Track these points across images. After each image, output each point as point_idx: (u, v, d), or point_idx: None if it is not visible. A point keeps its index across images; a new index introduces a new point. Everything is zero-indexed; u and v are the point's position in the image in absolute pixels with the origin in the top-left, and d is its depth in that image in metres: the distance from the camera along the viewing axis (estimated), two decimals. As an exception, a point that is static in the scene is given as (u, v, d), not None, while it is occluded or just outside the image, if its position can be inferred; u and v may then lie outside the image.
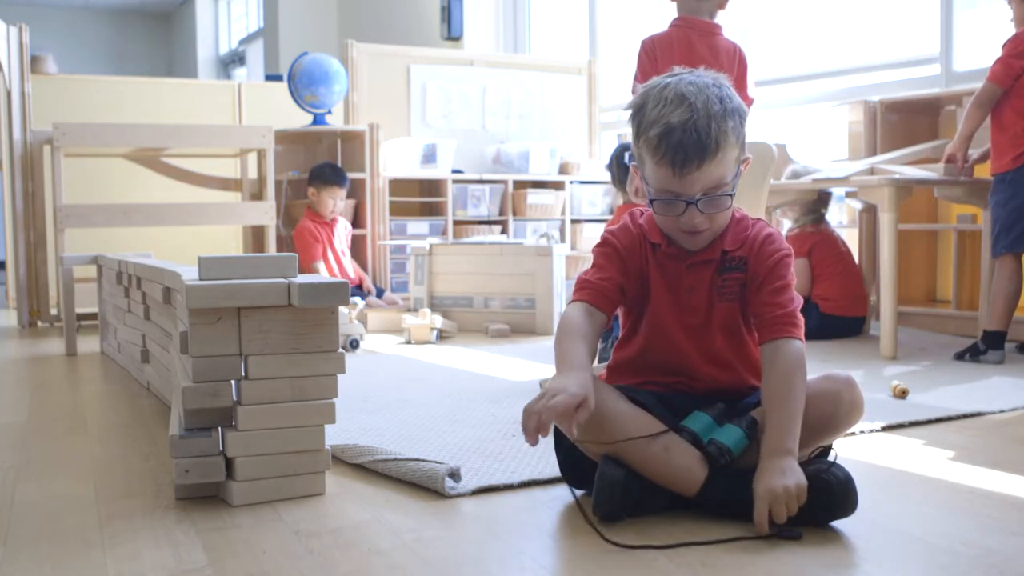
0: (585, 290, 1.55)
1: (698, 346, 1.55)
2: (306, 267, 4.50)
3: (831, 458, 1.44)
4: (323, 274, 4.45)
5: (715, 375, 1.55)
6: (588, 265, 1.63)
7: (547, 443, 1.88)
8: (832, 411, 1.45)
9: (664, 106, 1.45)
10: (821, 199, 3.90)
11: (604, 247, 1.59)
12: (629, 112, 1.55)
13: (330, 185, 4.62)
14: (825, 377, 1.50)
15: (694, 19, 2.86)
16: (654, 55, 2.89)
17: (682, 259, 1.55)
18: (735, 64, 2.87)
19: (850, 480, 1.38)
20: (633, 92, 3.22)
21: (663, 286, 1.56)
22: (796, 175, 3.66)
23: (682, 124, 1.42)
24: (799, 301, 1.53)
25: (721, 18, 2.91)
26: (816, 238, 3.85)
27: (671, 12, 2.94)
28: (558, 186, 5.47)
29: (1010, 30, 3.24)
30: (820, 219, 3.92)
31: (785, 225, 4.05)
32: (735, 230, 1.56)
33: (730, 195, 1.48)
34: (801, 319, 1.51)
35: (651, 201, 1.50)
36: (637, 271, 1.57)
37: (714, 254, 1.54)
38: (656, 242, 1.56)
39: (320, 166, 4.75)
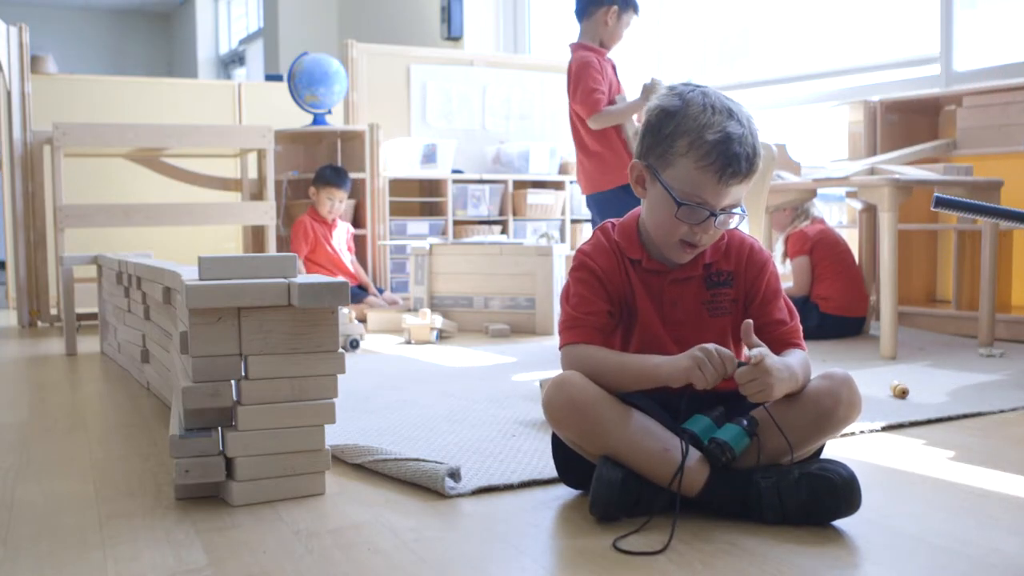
0: (579, 328, 1.53)
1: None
2: None
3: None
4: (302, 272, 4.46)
5: (718, 387, 1.54)
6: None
7: (548, 443, 1.88)
8: (831, 408, 1.45)
9: (714, 113, 1.46)
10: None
11: (581, 272, 1.57)
12: (655, 112, 1.51)
13: (328, 186, 4.62)
14: (823, 375, 1.50)
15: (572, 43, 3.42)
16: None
17: (664, 275, 1.55)
18: (570, 71, 3.31)
19: (854, 478, 1.39)
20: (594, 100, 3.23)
21: (648, 301, 1.55)
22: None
23: (739, 137, 1.44)
24: (792, 307, 1.59)
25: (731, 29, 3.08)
26: (817, 237, 3.85)
27: (667, 13, 3.17)
28: (558, 186, 5.47)
29: (1011, 30, 3.23)
30: (807, 213, 3.92)
31: (779, 240, 4.04)
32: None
33: (740, 220, 1.51)
34: (800, 328, 1.58)
35: (678, 204, 1.47)
36: (619, 292, 1.56)
37: (696, 269, 1.55)
38: (636, 258, 1.56)
39: (323, 167, 4.76)
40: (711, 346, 1.40)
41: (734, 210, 1.49)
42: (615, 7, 3.30)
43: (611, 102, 3.24)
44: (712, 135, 1.44)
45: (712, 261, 1.56)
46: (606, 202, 3.28)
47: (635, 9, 3.37)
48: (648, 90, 3.14)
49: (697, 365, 1.39)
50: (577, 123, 3.33)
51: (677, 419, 1.46)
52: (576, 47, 3.34)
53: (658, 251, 1.56)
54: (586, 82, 3.19)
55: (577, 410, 1.44)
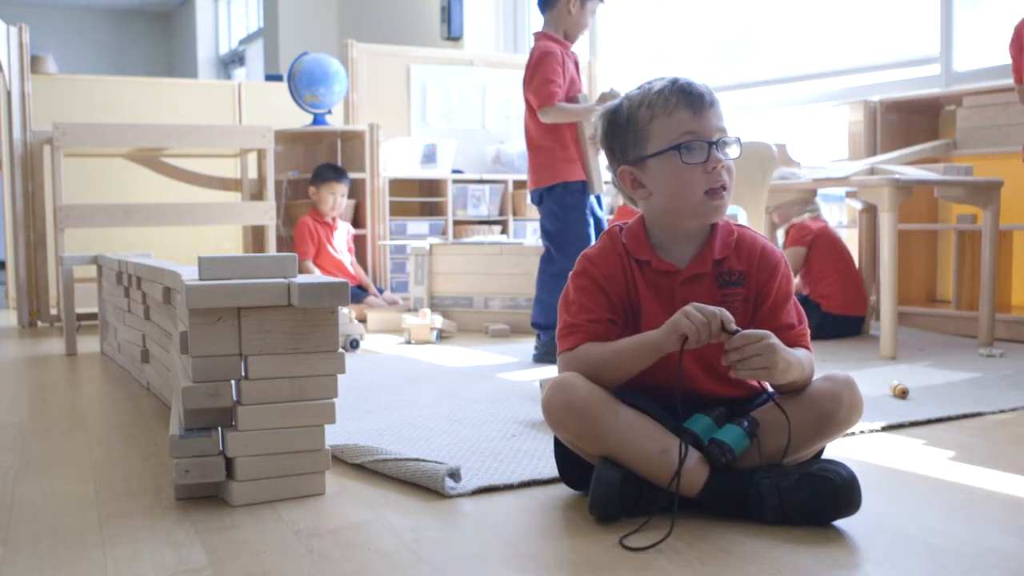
0: (577, 334, 1.52)
1: (700, 362, 1.52)
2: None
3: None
4: (314, 273, 4.47)
5: (719, 390, 1.53)
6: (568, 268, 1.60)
7: (548, 443, 1.88)
8: (832, 410, 1.45)
9: (651, 83, 1.55)
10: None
11: (582, 279, 1.55)
12: (604, 118, 1.58)
13: (328, 181, 4.65)
14: (825, 377, 1.50)
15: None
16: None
17: (674, 275, 1.54)
18: (530, 60, 3.26)
19: (854, 478, 1.38)
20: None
21: (656, 304, 1.53)
22: (782, 178, 3.67)
23: (682, 77, 1.53)
24: (801, 311, 1.59)
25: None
26: (818, 232, 3.85)
27: (667, 13, 3.10)
28: (558, 186, 5.46)
29: (1010, 31, 3.23)
30: (816, 208, 3.92)
31: (780, 238, 4.04)
32: (721, 236, 1.56)
33: (739, 145, 1.52)
34: (808, 332, 1.58)
35: (676, 149, 1.49)
36: (622, 298, 1.54)
37: (706, 266, 1.54)
38: (644, 259, 1.54)
39: (319, 166, 4.79)
40: (693, 305, 1.41)
41: (726, 137, 1.51)
42: None
43: (571, 99, 3.18)
44: (659, 87, 1.52)
45: (723, 257, 1.54)
46: (546, 197, 3.20)
47: None
48: (605, 98, 3.07)
49: (684, 315, 1.39)
50: (527, 115, 3.26)
51: (677, 419, 1.45)
52: (540, 36, 3.29)
53: (668, 250, 1.55)
54: (544, 72, 3.13)
55: (575, 412, 1.44)
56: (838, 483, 1.37)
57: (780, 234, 4.03)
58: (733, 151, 1.52)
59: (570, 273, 1.59)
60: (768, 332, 1.40)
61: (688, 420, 1.45)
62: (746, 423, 1.43)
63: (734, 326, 1.40)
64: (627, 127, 1.54)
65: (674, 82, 1.52)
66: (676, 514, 1.36)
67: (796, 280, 3.82)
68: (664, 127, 1.50)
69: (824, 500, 1.37)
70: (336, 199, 4.67)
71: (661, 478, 1.41)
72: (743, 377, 1.42)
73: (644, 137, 1.52)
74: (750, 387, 1.58)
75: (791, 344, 1.53)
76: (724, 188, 1.50)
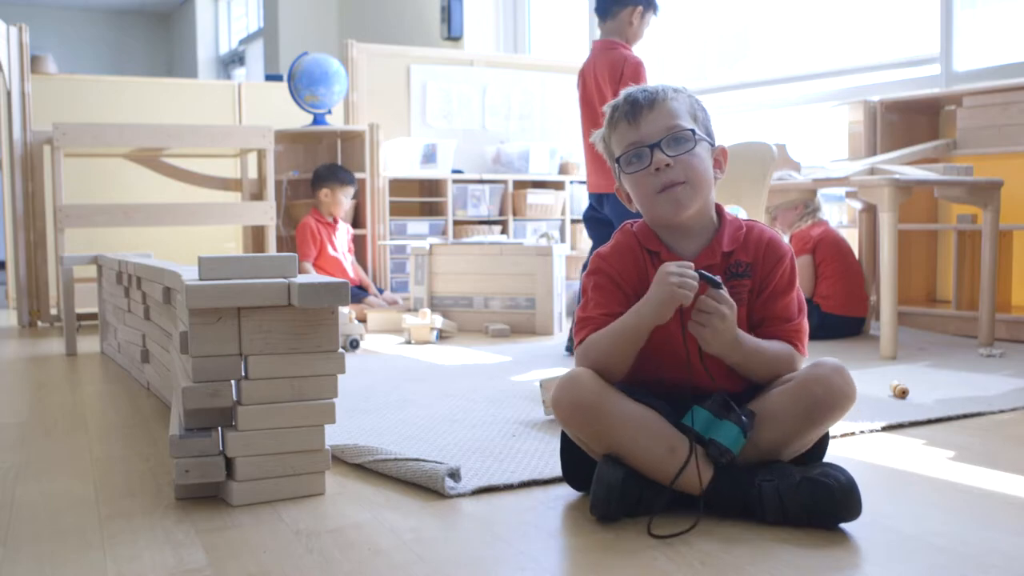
0: (589, 327, 1.54)
1: (706, 354, 1.52)
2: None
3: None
4: (312, 274, 4.48)
5: (722, 384, 1.52)
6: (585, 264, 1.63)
7: (548, 443, 1.89)
8: (823, 395, 1.44)
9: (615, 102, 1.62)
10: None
11: (596, 276, 1.59)
12: (599, 146, 1.67)
13: (345, 185, 4.69)
14: (813, 364, 1.50)
15: (599, 40, 3.40)
16: None
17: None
18: (620, 70, 3.25)
19: (853, 485, 1.38)
20: None
21: None
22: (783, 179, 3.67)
23: (632, 89, 1.59)
24: (803, 305, 1.59)
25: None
26: (820, 237, 3.85)
27: (667, 13, 3.18)
28: (558, 186, 5.47)
29: (1011, 30, 3.23)
30: (815, 212, 3.92)
31: (784, 234, 4.04)
32: (729, 230, 1.57)
33: (693, 138, 1.53)
34: (806, 327, 1.58)
35: (620, 160, 1.56)
36: (636, 291, 1.55)
37: (714, 258, 1.55)
38: (655, 250, 1.57)
39: (330, 167, 4.77)
40: (672, 267, 1.44)
41: (674, 134, 1.52)
42: (639, 7, 3.30)
43: None
44: (608, 109, 1.60)
45: (731, 250, 1.56)
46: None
47: (655, 10, 3.37)
48: None
49: (665, 286, 1.43)
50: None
51: (679, 412, 1.45)
52: (612, 44, 3.30)
53: (675, 244, 1.57)
54: (643, 82, 3.18)
55: (583, 408, 1.45)
56: (836, 489, 1.37)
57: (785, 240, 4.02)
58: (683, 144, 1.53)
59: (584, 273, 1.62)
60: (726, 312, 1.44)
61: (687, 415, 1.45)
62: (744, 418, 1.43)
63: (716, 278, 1.45)
64: (605, 150, 1.64)
65: (625, 96, 1.58)
66: (700, 509, 1.37)
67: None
68: (616, 142, 1.59)
69: (824, 505, 1.37)
70: (348, 201, 4.71)
71: (666, 477, 1.41)
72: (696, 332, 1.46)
73: (612, 155, 1.62)
74: (750, 380, 1.57)
75: (782, 336, 1.54)
76: (673, 184, 1.52)
